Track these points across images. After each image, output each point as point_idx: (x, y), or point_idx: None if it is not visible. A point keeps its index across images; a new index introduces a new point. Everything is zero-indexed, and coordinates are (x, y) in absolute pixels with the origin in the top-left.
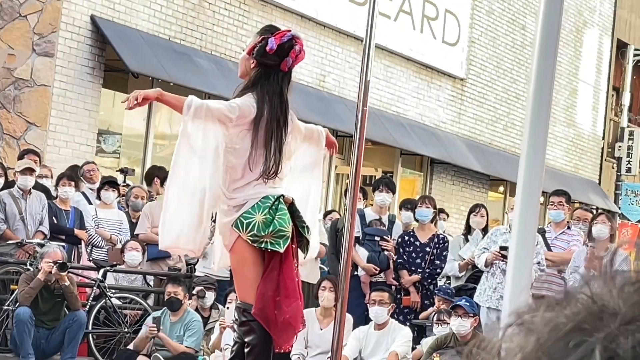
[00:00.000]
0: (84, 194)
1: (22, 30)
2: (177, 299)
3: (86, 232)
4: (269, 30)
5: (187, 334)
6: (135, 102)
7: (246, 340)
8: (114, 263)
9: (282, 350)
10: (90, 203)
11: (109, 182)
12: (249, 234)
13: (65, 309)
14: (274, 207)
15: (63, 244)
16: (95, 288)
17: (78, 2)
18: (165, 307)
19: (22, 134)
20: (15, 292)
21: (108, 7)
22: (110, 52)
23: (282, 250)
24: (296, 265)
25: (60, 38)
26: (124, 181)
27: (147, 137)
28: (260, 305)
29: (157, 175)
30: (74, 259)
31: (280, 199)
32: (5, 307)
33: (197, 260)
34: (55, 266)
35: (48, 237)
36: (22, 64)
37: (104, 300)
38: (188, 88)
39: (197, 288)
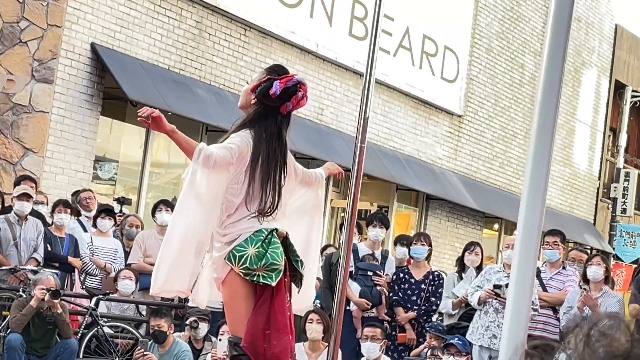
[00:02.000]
0: (79, 221)
1: (22, 56)
2: (161, 332)
3: (80, 259)
4: (277, 71)
5: None
6: (149, 118)
7: None
8: (107, 291)
9: None
10: (85, 230)
11: (106, 210)
12: (241, 267)
13: (56, 336)
14: (266, 240)
15: (56, 271)
16: (87, 316)
17: (78, 30)
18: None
19: (18, 160)
20: (7, 319)
21: (108, 36)
22: (110, 80)
23: (273, 284)
24: (289, 299)
25: (60, 65)
26: (120, 210)
27: (144, 164)
28: (249, 339)
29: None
30: (67, 287)
31: (274, 233)
32: None
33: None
34: (48, 293)
35: (42, 264)
36: (21, 89)
37: (95, 328)
38: (186, 118)
39: (191, 318)
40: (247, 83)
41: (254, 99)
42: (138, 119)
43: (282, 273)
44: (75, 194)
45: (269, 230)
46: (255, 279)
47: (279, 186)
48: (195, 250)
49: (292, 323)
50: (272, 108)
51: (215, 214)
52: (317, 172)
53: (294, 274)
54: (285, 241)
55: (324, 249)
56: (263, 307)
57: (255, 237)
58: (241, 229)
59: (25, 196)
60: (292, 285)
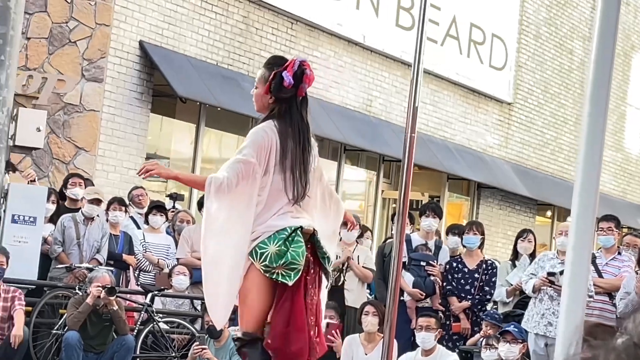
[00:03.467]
0: (132, 218)
1: (71, 56)
2: (214, 327)
3: (134, 257)
4: (277, 64)
5: (233, 359)
6: (147, 172)
7: None
8: (162, 287)
9: None
10: (138, 227)
11: (157, 207)
12: (261, 264)
13: (113, 333)
14: (290, 238)
15: (112, 268)
16: (143, 312)
17: (127, 28)
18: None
19: (71, 159)
20: (64, 317)
21: (156, 33)
22: (159, 77)
23: (290, 283)
24: (315, 296)
25: (109, 63)
26: (173, 206)
27: (195, 161)
28: (272, 337)
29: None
30: (122, 284)
31: (298, 231)
32: (54, 331)
33: None
34: (103, 291)
35: (104, 265)
36: (71, 89)
37: (151, 324)
38: (235, 112)
39: None
40: (256, 88)
41: (271, 99)
42: (142, 177)
43: (300, 272)
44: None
45: (293, 228)
46: (274, 276)
47: (308, 167)
48: (227, 274)
49: (319, 319)
50: (291, 97)
51: (247, 229)
52: (339, 197)
53: (324, 269)
54: (313, 238)
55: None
56: (285, 306)
57: (278, 234)
58: (266, 226)
59: (96, 201)
60: (323, 279)
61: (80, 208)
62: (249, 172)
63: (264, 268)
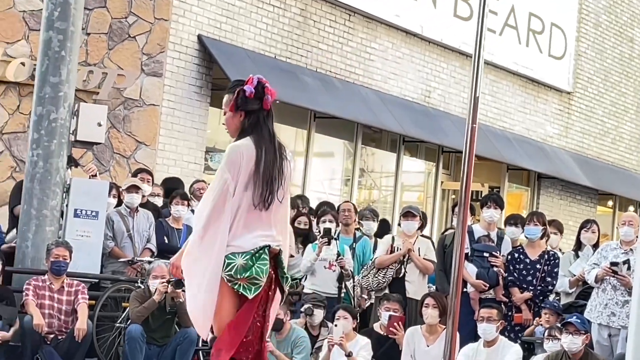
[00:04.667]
0: (193, 212)
1: (131, 51)
2: (277, 319)
3: None
4: (238, 84)
5: (295, 352)
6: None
7: None
8: None
9: None
10: None
11: None
12: (226, 273)
13: (175, 326)
14: (256, 255)
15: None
16: None
17: (185, 22)
18: None
19: (131, 153)
20: (127, 310)
21: (214, 27)
22: (217, 70)
23: (250, 297)
24: (266, 310)
25: (168, 58)
26: None
27: None
28: (218, 339)
29: None
30: None
31: (265, 249)
32: (117, 325)
33: (305, 277)
34: (169, 285)
35: (155, 254)
36: (131, 84)
37: None
38: (294, 105)
39: (305, 305)
40: (224, 114)
41: (241, 115)
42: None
43: (261, 288)
44: (175, 181)
45: (260, 247)
46: (236, 287)
47: (282, 179)
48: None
49: (264, 333)
50: (257, 110)
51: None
52: None
53: (281, 287)
54: (277, 257)
55: (443, 232)
56: (247, 317)
57: (247, 251)
58: (238, 246)
59: (134, 188)
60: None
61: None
62: (225, 193)
63: (227, 277)
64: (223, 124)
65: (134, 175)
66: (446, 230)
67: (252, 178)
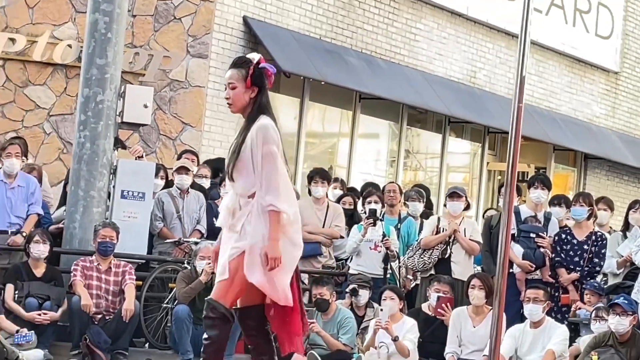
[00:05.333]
0: None
1: (176, 33)
2: (324, 300)
3: None
4: (246, 61)
5: (341, 332)
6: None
7: (208, 334)
8: None
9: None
10: None
11: None
12: None
13: None
14: None
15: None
16: None
17: (230, 4)
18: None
19: (177, 135)
20: (174, 291)
21: (260, 8)
22: (262, 52)
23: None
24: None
25: (213, 39)
26: None
27: (299, 135)
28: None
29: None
30: None
31: None
32: (164, 305)
33: (351, 258)
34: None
35: (205, 236)
36: (177, 65)
37: None
38: (339, 86)
39: (351, 286)
40: (233, 89)
41: (254, 90)
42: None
43: None
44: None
45: None
46: None
47: None
48: None
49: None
50: (266, 89)
51: None
52: None
53: None
54: None
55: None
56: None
57: None
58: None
59: (184, 169)
60: None
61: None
62: (280, 165)
63: None
64: (226, 97)
65: (179, 156)
66: (487, 210)
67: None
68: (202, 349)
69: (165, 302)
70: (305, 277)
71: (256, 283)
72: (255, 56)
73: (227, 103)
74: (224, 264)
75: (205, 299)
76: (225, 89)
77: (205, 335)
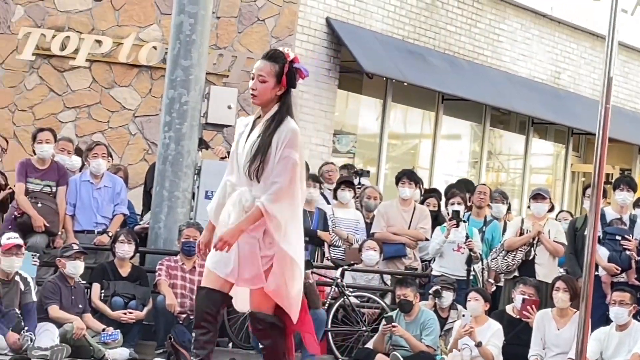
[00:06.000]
0: (322, 194)
1: (260, 34)
2: (407, 301)
3: (329, 233)
4: (280, 55)
5: (424, 334)
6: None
7: (264, 344)
8: (352, 262)
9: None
10: (328, 203)
11: (346, 182)
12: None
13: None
14: None
15: (306, 244)
16: (334, 287)
17: (314, 5)
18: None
19: None
20: None
21: (343, 9)
22: (345, 53)
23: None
24: None
25: (296, 41)
26: (359, 182)
27: (382, 136)
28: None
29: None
30: (317, 259)
31: None
32: None
33: (434, 259)
34: None
35: None
36: None
37: (342, 299)
38: (422, 87)
39: (434, 288)
40: (263, 82)
41: (281, 89)
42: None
43: None
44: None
45: None
46: None
47: None
48: None
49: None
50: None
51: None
52: None
53: None
54: None
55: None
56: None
57: None
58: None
59: None
60: None
61: None
62: (298, 174)
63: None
64: (252, 88)
65: None
66: (559, 213)
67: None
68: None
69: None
70: (388, 278)
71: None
72: (290, 53)
73: (252, 94)
74: (258, 273)
75: (247, 313)
76: (253, 78)
77: (261, 346)
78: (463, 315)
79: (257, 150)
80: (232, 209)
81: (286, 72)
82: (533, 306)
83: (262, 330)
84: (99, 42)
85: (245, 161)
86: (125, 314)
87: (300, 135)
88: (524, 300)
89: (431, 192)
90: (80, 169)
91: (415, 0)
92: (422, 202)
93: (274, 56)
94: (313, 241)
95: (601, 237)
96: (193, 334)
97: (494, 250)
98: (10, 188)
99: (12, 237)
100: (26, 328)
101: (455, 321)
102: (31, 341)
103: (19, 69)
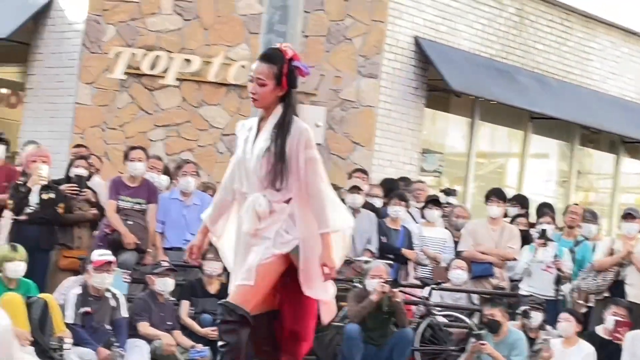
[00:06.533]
0: (409, 212)
1: (347, 53)
2: (495, 321)
3: (414, 251)
4: (278, 56)
5: (512, 354)
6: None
7: (226, 340)
8: (439, 281)
9: None
10: (415, 221)
11: (433, 201)
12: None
13: (392, 326)
14: None
15: (391, 262)
16: (421, 306)
17: (402, 24)
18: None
19: (348, 154)
20: (344, 309)
21: (431, 28)
22: (433, 72)
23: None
24: None
25: (384, 59)
26: (446, 201)
27: (469, 155)
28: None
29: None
30: (401, 278)
31: None
32: (335, 324)
33: (522, 279)
34: (387, 284)
35: (376, 256)
36: (348, 85)
37: (430, 318)
38: (510, 106)
39: (522, 308)
40: (262, 86)
41: (282, 90)
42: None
43: None
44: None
45: None
46: None
47: None
48: None
49: None
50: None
51: None
52: None
53: None
54: None
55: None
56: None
57: None
58: None
59: (356, 188)
60: None
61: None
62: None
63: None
64: (252, 92)
65: (350, 175)
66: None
67: None
68: (219, 357)
69: (336, 320)
70: (476, 298)
71: (318, 297)
72: (289, 50)
73: (252, 98)
74: (249, 269)
75: (222, 302)
76: (252, 81)
77: (220, 343)
78: (552, 337)
79: (275, 159)
80: (245, 216)
81: (285, 73)
82: (625, 328)
83: (229, 323)
84: (188, 61)
85: (255, 167)
86: (213, 330)
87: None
88: (616, 321)
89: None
90: (167, 188)
91: (504, 19)
92: (512, 221)
93: (271, 57)
94: (398, 259)
95: None
96: None
97: (584, 270)
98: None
99: (104, 254)
100: (117, 344)
101: (543, 343)
102: (121, 357)
103: (110, 88)
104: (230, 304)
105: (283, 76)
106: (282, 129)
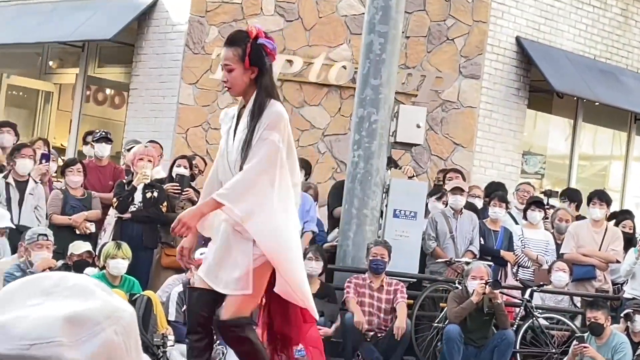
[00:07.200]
0: (510, 214)
1: (449, 54)
2: (597, 324)
3: (514, 253)
4: (241, 38)
5: (615, 357)
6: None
7: (242, 350)
8: (541, 283)
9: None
10: (516, 223)
11: (536, 203)
12: None
13: (492, 327)
14: None
15: (490, 263)
16: (522, 308)
17: (504, 24)
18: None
19: (449, 155)
20: (444, 310)
21: (533, 28)
22: (535, 72)
23: None
24: None
25: (486, 60)
26: (547, 203)
27: (572, 158)
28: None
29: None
30: (501, 279)
31: None
32: (435, 324)
33: (627, 281)
34: (487, 285)
35: (477, 257)
36: (449, 86)
37: (530, 320)
38: (613, 107)
39: (626, 311)
40: (229, 72)
41: (252, 73)
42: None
43: None
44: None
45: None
46: None
47: None
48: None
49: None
50: (269, 67)
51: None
52: None
53: None
54: None
55: None
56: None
57: None
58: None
59: (458, 190)
60: None
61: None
62: (277, 159)
63: None
64: (224, 81)
65: (444, 175)
66: None
67: (290, 150)
68: None
69: (436, 321)
70: (578, 300)
71: (280, 292)
72: (252, 29)
73: (225, 87)
74: (246, 277)
75: (223, 319)
76: (222, 70)
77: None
78: None
79: (244, 145)
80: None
81: (249, 53)
82: None
83: (236, 333)
84: (289, 61)
85: (236, 160)
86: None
87: (287, 117)
88: None
89: (625, 214)
90: None
91: (608, 19)
92: (616, 224)
93: (234, 39)
94: (496, 261)
95: None
96: (187, 340)
97: None
98: None
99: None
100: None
101: None
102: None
103: (212, 88)
104: (231, 321)
105: (246, 56)
106: (254, 114)
